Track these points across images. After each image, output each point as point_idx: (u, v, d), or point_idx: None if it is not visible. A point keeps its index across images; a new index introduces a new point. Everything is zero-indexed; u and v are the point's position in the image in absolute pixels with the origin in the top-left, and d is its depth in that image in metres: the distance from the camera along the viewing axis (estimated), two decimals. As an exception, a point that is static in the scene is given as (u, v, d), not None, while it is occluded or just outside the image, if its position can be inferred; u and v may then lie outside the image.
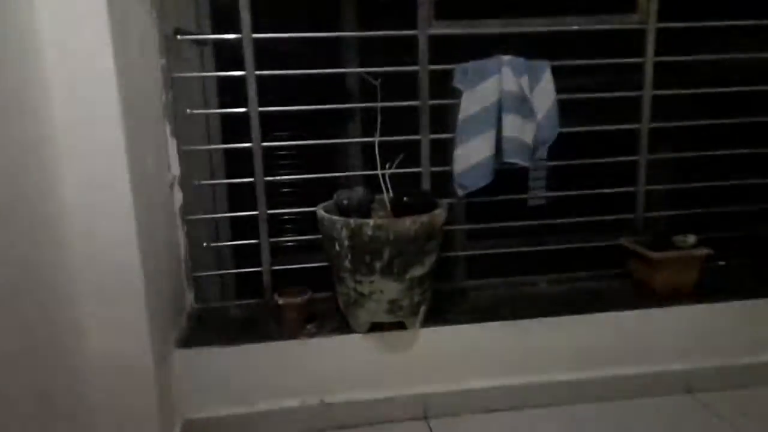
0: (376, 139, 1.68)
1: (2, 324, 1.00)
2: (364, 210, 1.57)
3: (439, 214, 1.52)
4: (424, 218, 1.46)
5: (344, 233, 1.45)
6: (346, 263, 1.49)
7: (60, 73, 1.19)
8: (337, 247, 1.49)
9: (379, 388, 1.62)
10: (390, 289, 1.50)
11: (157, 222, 1.47)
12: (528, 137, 1.74)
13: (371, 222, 1.43)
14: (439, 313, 1.66)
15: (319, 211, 1.54)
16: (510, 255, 1.93)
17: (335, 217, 1.47)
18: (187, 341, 1.56)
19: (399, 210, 1.56)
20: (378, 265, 1.46)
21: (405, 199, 1.57)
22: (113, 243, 1.28)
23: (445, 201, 1.61)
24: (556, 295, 1.85)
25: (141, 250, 1.30)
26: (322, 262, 1.71)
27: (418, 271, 1.51)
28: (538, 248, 1.94)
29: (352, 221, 1.44)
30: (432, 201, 1.58)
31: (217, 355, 1.54)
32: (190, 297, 1.74)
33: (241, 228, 1.81)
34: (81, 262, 1.27)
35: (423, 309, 1.59)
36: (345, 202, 1.53)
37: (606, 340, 1.72)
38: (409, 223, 1.44)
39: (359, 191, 1.57)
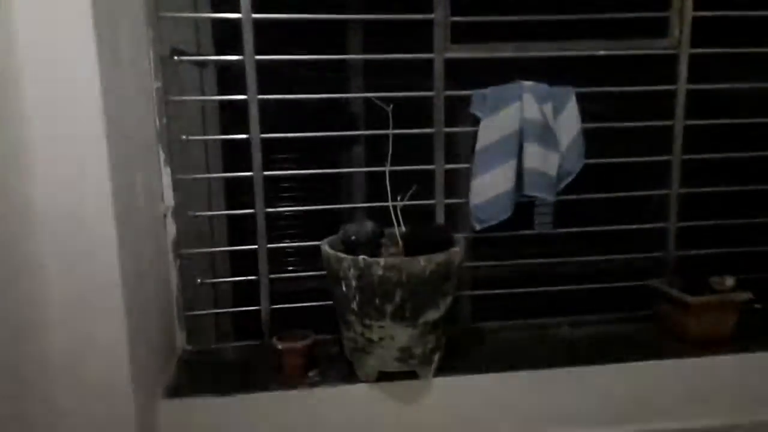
0: (387, 168, 1.55)
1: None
2: (373, 246, 1.43)
3: (457, 252, 1.38)
4: (440, 257, 1.32)
5: (352, 273, 1.31)
6: (354, 305, 1.35)
7: (40, 89, 1.07)
8: (344, 288, 1.35)
9: (388, 442, 1.46)
10: (401, 335, 1.35)
11: (145, 258, 1.34)
12: (551, 169, 1.62)
13: (382, 261, 1.29)
14: (453, 359, 1.50)
15: (324, 247, 1.40)
16: (527, 293, 1.79)
17: (342, 255, 1.33)
18: (176, 390, 1.41)
19: (412, 247, 1.42)
20: (389, 308, 1.32)
21: (418, 234, 1.43)
22: (93, 286, 1.15)
23: (461, 237, 1.48)
24: (581, 340, 1.69)
25: (125, 291, 1.17)
26: (326, 301, 1.56)
27: (432, 315, 1.36)
28: (561, 288, 1.79)
29: (360, 260, 1.30)
30: (448, 237, 1.44)
31: (209, 406, 1.38)
32: (181, 338, 1.59)
33: (241, 262, 1.67)
34: (57, 301, 1.13)
35: (437, 356, 1.44)
36: (353, 237, 1.39)
37: (639, 391, 1.55)
38: (423, 263, 1.30)
39: (368, 225, 1.43)
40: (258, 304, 1.62)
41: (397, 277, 1.29)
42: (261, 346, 1.62)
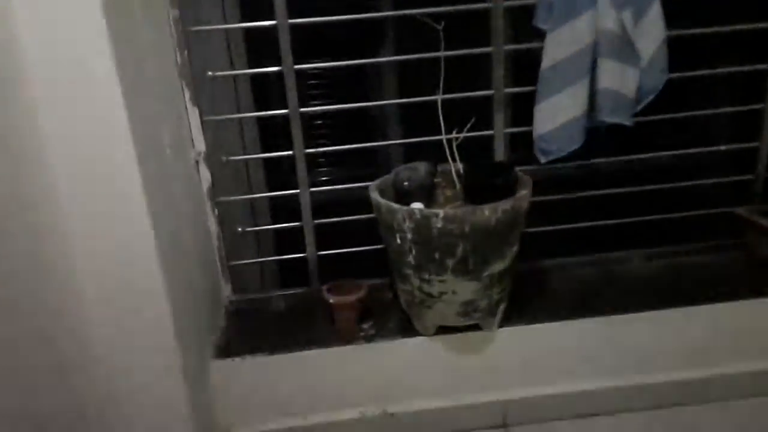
0: (439, 97, 1.36)
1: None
2: (428, 191, 1.28)
3: (525, 196, 1.21)
4: (507, 204, 1.16)
5: (407, 225, 1.17)
6: (410, 259, 1.22)
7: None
8: (398, 240, 1.21)
9: (451, 395, 1.39)
10: (464, 289, 1.23)
11: (179, 209, 1.21)
12: (630, 88, 1.39)
13: (441, 213, 1.14)
14: (517, 305, 1.38)
15: (374, 195, 1.25)
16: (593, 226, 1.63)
17: (395, 206, 1.18)
18: (226, 349, 1.34)
19: (472, 191, 1.26)
20: (450, 262, 1.19)
21: (479, 176, 1.26)
22: (124, 242, 1.04)
23: (528, 177, 1.30)
24: (655, 277, 1.55)
25: (160, 249, 1.06)
26: (377, 245, 1.44)
27: (498, 267, 1.23)
28: (632, 219, 1.62)
29: (417, 212, 1.15)
30: (513, 176, 1.28)
31: (262, 365, 1.32)
32: (227, 289, 1.51)
33: (282, 207, 1.54)
34: (85, 269, 1.04)
35: (502, 307, 1.32)
36: (406, 184, 1.24)
37: (723, 333, 1.42)
38: (488, 213, 1.15)
39: (421, 169, 1.27)
40: (302, 250, 1.51)
41: (459, 230, 1.15)
42: (308, 292, 1.53)
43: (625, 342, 1.40)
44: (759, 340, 1.43)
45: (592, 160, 1.54)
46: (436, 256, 1.18)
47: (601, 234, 1.63)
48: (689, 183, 1.58)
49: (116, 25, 0.96)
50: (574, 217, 1.60)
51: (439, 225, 1.14)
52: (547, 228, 1.58)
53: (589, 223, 1.59)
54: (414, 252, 1.20)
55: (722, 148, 1.57)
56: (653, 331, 1.40)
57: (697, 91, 1.64)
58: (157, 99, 1.15)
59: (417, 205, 1.24)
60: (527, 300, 1.44)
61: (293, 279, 1.57)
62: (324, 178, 1.98)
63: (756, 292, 1.42)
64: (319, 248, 1.51)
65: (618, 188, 1.57)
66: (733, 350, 1.43)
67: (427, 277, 1.22)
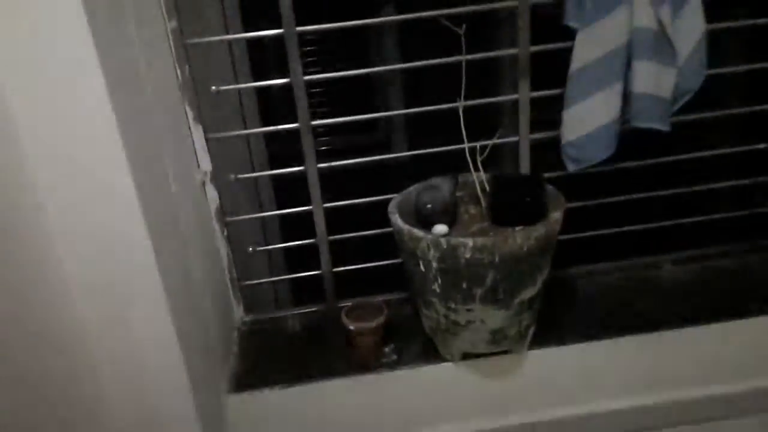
0: (461, 104, 1.26)
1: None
2: (450, 212, 1.19)
3: (558, 219, 1.12)
4: (540, 231, 1.08)
5: (432, 254, 1.09)
6: (434, 287, 1.14)
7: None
8: (422, 268, 1.13)
9: (476, 419, 1.33)
10: (493, 317, 1.15)
11: (185, 235, 1.12)
12: (666, 90, 1.29)
13: (470, 243, 1.05)
14: (545, 322, 1.30)
15: (395, 218, 1.16)
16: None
17: (419, 233, 1.10)
18: (242, 382, 1.27)
19: (500, 211, 1.17)
20: (478, 292, 1.11)
21: (507, 197, 1.17)
22: (124, 281, 0.94)
23: (558, 193, 1.21)
24: (688, 284, 1.46)
25: (167, 289, 0.96)
26: (395, 259, 1.37)
27: (529, 294, 1.15)
28: (663, 224, 1.53)
29: (443, 241, 1.07)
30: (544, 193, 1.18)
31: (280, 397, 1.25)
32: (239, 311, 1.44)
33: (293, 227, 1.45)
34: (83, 318, 0.95)
35: (532, 330, 1.25)
36: (429, 206, 1.15)
37: (755, 348, 1.35)
38: (520, 240, 1.06)
39: (444, 188, 1.18)
40: (315, 267, 1.43)
41: (488, 259, 1.06)
42: (324, 310, 1.46)
43: (656, 360, 1.33)
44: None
45: (617, 165, 1.44)
46: (464, 285, 1.11)
47: (628, 237, 1.54)
48: (720, 185, 1.49)
49: (105, 39, 0.84)
50: (599, 220, 1.52)
51: (468, 255, 1.06)
52: (575, 236, 1.49)
53: (620, 229, 1.51)
54: (439, 281, 1.12)
55: (761, 146, 1.47)
56: (686, 348, 1.33)
57: (725, 85, 1.53)
58: (158, 120, 1.05)
59: (440, 228, 1.16)
60: (555, 316, 1.37)
61: (308, 294, 1.50)
62: (323, 148, 1.83)
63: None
64: (334, 258, 1.42)
65: (646, 190, 1.48)
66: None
67: (453, 306, 1.15)
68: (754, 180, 1.50)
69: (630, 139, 1.34)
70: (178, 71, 1.18)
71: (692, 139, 1.50)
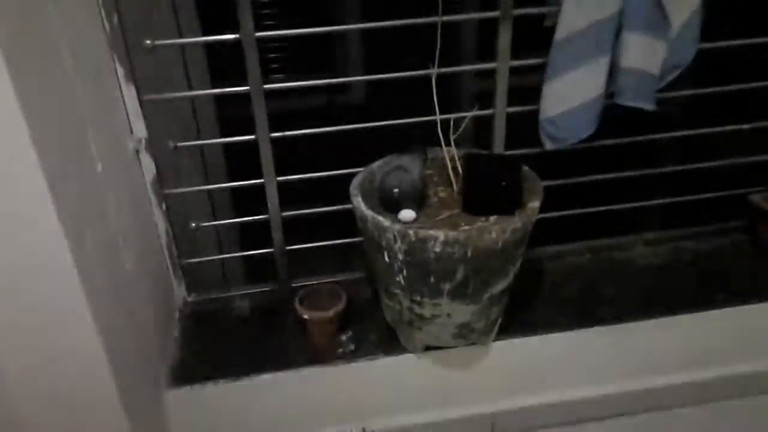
0: (434, 71, 1.13)
1: None
2: (418, 195, 1.07)
3: (536, 208, 1.03)
4: (517, 223, 0.98)
5: (398, 246, 0.98)
6: (399, 279, 1.04)
7: None
8: (387, 258, 1.02)
9: (437, 410, 1.26)
10: (461, 312, 1.07)
11: (109, 207, 0.96)
12: (655, 65, 1.18)
13: (441, 236, 0.94)
14: (512, 309, 1.22)
15: (358, 202, 1.04)
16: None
17: (384, 221, 0.98)
18: (183, 375, 1.15)
19: (473, 199, 1.06)
20: (447, 286, 1.01)
21: (481, 186, 1.05)
22: (33, 278, 0.80)
23: (536, 176, 1.11)
24: (660, 268, 1.41)
25: (81, 270, 0.81)
26: (354, 238, 1.26)
27: (500, 287, 1.06)
28: (637, 204, 1.46)
29: (411, 233, 0.95)
30: (518, 176, 1.07)
31: (226, 391, 1.15)
32: (181, 290, 1.30)
33: (249, 201, 1.30)
34: None
35: (499, 322, 1.17)
36: (395, 191, 1.02)
37: (726, 335, 1.33)
38: (496, 235, 0.96)
39: (414, 170, 1.05)
40: (268, 243, 1.30)
41: (460, 253, 0.96)
42: (276, 291, 1.34)
43: (620, 351, 1.29)
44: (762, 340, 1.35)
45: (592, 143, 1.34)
46: (432, 279, 1.00)
47: (597, 217, 1.47)
48: (700, 165, 1.42)
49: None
50: (570, 198, 1.43)
51: (438, 249, 0.95)
52: (546, 215, 1.40)
53: (592, 209, 1.43)
54: (405, 273, 1.02)
55: (745, 126, 1.40)
56: (653, 338, 1.29)
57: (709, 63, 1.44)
58: (76, 81, 0.88)
59: (408, 214, 1.04)
60: (523, 303, 1.29)
61: (262, 275, 1.37)
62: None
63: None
64: (289, 235, 1.29)
65: (620, 169, 1.39)
66: (736, 351, 1.34)
67: (418, 299, 1.05)
68: (731, 161, 1.44)
69: (605, 114, 1.24)
70: (105, 21, 0.99)
71: (667, 118, 1.41)
